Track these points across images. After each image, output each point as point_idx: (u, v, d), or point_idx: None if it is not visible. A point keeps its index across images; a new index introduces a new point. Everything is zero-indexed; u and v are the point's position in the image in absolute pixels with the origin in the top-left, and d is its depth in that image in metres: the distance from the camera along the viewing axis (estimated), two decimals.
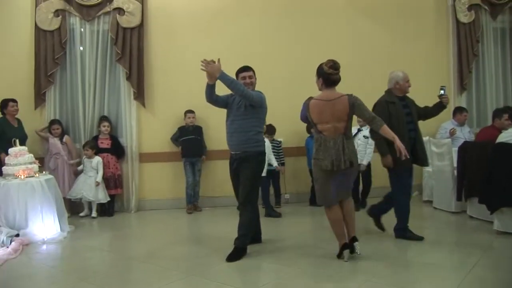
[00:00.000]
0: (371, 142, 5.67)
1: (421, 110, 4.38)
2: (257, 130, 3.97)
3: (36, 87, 5.99)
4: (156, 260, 3.91)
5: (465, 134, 6.30)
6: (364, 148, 5.75)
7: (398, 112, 4.15)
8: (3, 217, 4.59)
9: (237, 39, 6.26)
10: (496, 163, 4.25)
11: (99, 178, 5.78)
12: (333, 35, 6.53)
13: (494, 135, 4.77)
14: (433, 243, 4.17)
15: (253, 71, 4.10)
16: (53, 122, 5.90)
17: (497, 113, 5.82)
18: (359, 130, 5.77)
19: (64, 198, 5.39)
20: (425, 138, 5.29)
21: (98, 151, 5.91)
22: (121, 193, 6.16)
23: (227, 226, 4.88)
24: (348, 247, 3.68)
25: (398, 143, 3.61)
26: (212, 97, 3.98)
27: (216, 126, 5.89)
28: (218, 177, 6.13)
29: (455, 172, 5.25)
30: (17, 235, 4.46)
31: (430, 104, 4.46)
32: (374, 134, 4.07)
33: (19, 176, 4.76)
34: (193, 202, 6.11)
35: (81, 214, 5.87)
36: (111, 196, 5.93)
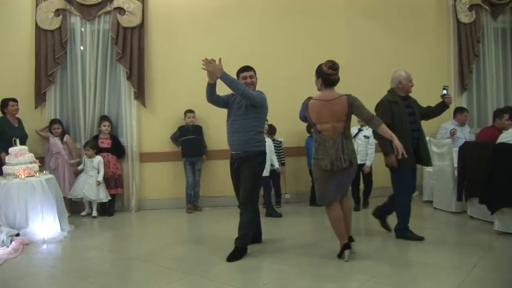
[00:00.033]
0: (371, 142, 5.68)
1: (424, 110, 4.38)
2: (258, 130, 3.97)
3: (36, 86, 5.99)
4: (156, 259, 3.91)
5: (466, 134, 6.30)
6: (364, 148, 5.76)
7: (401, 112, 4.15)
8: (4, 216, 4.59)
9: (237, 39, 6.26)
10: (496, 163, 4.25)
11: (100, 177, 5.78)
12: (333, 35, 6.53)
13: (495, 135, 4.76)
14: (434, 243, 4.16)
15: (254, 71, 4.10)
16: (53, 121, 5.90)
17: (498, 113, 5.83)
18: (359, 130, 5.77)
19: (65, 198, 5.38)
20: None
21: (99, 150, 5.91)
22: (122, 192, 6.16)
23: (227, 226, 4.89)
24: (349, 247, 3.68)
25: (396, 142, 3.64)
26: (213, 97, 3.98)
27: (216, 126, 5.89)
28: (218, 177, 6.13)
29: (456, 172, 5.25)
30: (18, 235, 4.46)
31: (431, 104, 4.45)
32: (376, 134, 4.07)
33: (20, 176, 4.76)
34: (193, 202, 6.11)
35: (83, 214, 5.88)
36: (111, 195, 5.93)
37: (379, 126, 3.69)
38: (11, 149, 4.92)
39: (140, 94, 6.16)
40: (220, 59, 3.77)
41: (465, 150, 5.09)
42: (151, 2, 6.23)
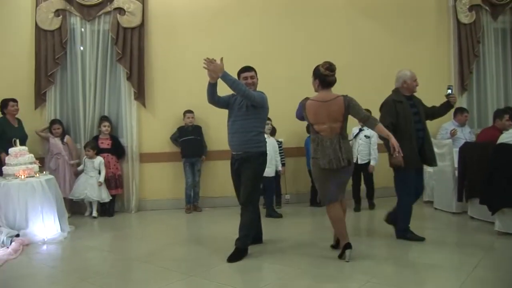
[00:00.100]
0: (374, 142, 5.68)
1: (428, 110, 4.37)
2: (259, 130, 3.96)
3: (36, 87, 5.98)
4: (156, 260, 3.90)
5: (466, 134, 6.30)
6: (365, 148, 5.76)
7: (406, 112, 4.15)
8: (3, 217, 4.58)
9: (237, 39, 6.26)
10: (497, 164, 4.24)
11: (102, 178, 5.78)
12: (333, 35, 6.54)
13: (495, 135, 4.76)
14: (434, 243, 4.16)
15: (255, 71, 4.10)
16: (53, 122, 5.89)
17: (498, 114, 5.83)
18: (360, 130, 5.77)
19: (65, 198, 5.37)
20: None
21: (99, 151, 5.90)
22: (122, 193, 6.15)
23: (227, 226, 4.88)
24: (350, 247, 3.68)
25: (393, 140, 3.68)
26: (214, 98, 3.97)
27: (216, 126, 5.88)
28: (218, 177, 6.12)
29: (456, 172, 5.24)
30: (17, 235, 4.45)
31: (431, 105, 4.45)
32: None
33: (20, 176, 4.75)
34: (193, 202, 6.10)
35: (87, 214, 5.88)
36: (111, 196, 5.92)
37: (375, 125, 3.74)
38: (11, 150, 4.91)
39: (140, 95, 6.15)
40: (221, 58, 3.76)
41: (466, 150, 5.09)
42: (151, 3, 6.22)
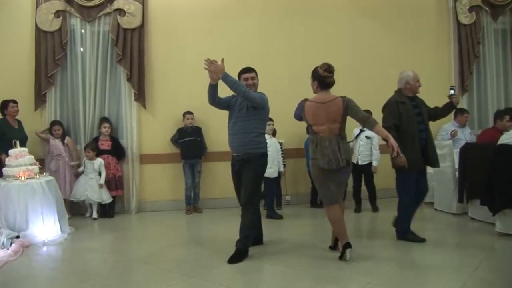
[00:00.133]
0: (375, 143, 5.67)
1: (431, 111, 4.37)
2: (259, 131, 3.96)
3: (36, 88, 5.98)
4: (157, 261, 3.90)
5: (466, 135, 6.30)
6: (366, 148, 5.75)
7: (409, 112, 4.14)
8: (3, 218, 4.58)
9: (237, 40, 6.26)
10: (497, 165, 4.24)
11: (102, 180, 5.77)
12: (333, 35, 6.54)
13: (496, 136, 4.76)
14: (435, 245, 4.15)
15: (256, 72, 4.09)
16: (54, 123, 5.88)
17: (499, 115, 5.83)
18: (361, 131, 5.76)
19: (65, 200, 5.37)
20: None
21: (99, 152, 5.90)
22: (122, 194, 6.14)
23: (227, 227, 4.88)
24: (350, 246, 3.68)
25: (392, 141, 3.69)
26: (215, 99, 3.96)
27: (216, 127, 5.87)
28: (219, 178, 6.12)
29: (457, 173, 5.24)
30: (18, 237, 4.45)
31: (432, 105, 4.45)
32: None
33: (20, 178, 4.75)
34: (193, 203, 6.10)
35: (87, 215, 5.88)
36: (112, 197, 5.91)
37: (374, 126, 3.75)
38: (11, 151, 4.91)
39: (140, 96, 6.15)
40: (222, 59, 3.75)
41: (466, 151, 5.08)
42: (151, 4, 6.22)
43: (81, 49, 6.17)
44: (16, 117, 5.60)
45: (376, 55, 6.58)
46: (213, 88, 3.89)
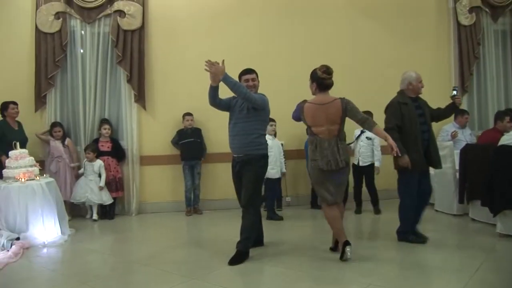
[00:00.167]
0: (376, 144, 5.67)
1: (433, 112, 4.36)
2: (260, 133, 3.96)
3: (36, 89, 5.97)
4: (157, 263, 3.89)
5: (467, 136, 6.30)
6: (366, 149, 5.73)
7: (411, 113, 4.14)
8: (4, 220, 4.57)
9: (237, 40, 6.26)
10: (498, 166, 4.23)
11: (102, 183, 5.76)
12: (333, 35, 6.54)
13: (496, 137, 4.76)
14: (436, 246, 4.15)
15: (256, 73, 4.09)
16: (54, 124, 5.88)
17: (499, 116, 5.83)
18: (362, 132, 5.74)
19: (65, 201, 5.37)
20: None
21: (99, 154, 5.89)
22: (122, 196, 6.14)
23: (227, 229, 4.88)
24: (349, 243, 3.68)
25: (391, 141, 3.71)
26: (215, 100, 3.96)
27: (216, 128, 5.86)
28: (219, 180, 6.12)
29: (457, 174, 5.23)
30: (18, 239, 4.45)
31: (432, 106, 4.44)
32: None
33: (20, 179, 4.75)
34: (193, 205, 6.09)
35: (87, 217, 5.88)
36: (112, 198, 5.91)
37: (373, 127, 3.77)
38: (11, 153, 4.90)
39: (140, 97, 6.15)
40: (223, 61, 3.74)
41: (467, 152, 5.08)
42: (151, 5, 6.22)
43: (81, 51, 6.17)
44: (16, 119, 5.60)
45: (376, 55, 6.58)
46: (214, 90, 3.88)
